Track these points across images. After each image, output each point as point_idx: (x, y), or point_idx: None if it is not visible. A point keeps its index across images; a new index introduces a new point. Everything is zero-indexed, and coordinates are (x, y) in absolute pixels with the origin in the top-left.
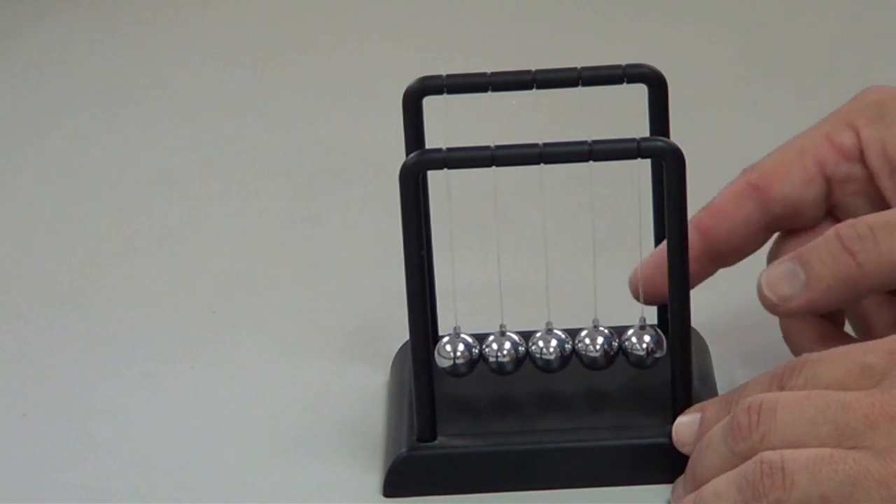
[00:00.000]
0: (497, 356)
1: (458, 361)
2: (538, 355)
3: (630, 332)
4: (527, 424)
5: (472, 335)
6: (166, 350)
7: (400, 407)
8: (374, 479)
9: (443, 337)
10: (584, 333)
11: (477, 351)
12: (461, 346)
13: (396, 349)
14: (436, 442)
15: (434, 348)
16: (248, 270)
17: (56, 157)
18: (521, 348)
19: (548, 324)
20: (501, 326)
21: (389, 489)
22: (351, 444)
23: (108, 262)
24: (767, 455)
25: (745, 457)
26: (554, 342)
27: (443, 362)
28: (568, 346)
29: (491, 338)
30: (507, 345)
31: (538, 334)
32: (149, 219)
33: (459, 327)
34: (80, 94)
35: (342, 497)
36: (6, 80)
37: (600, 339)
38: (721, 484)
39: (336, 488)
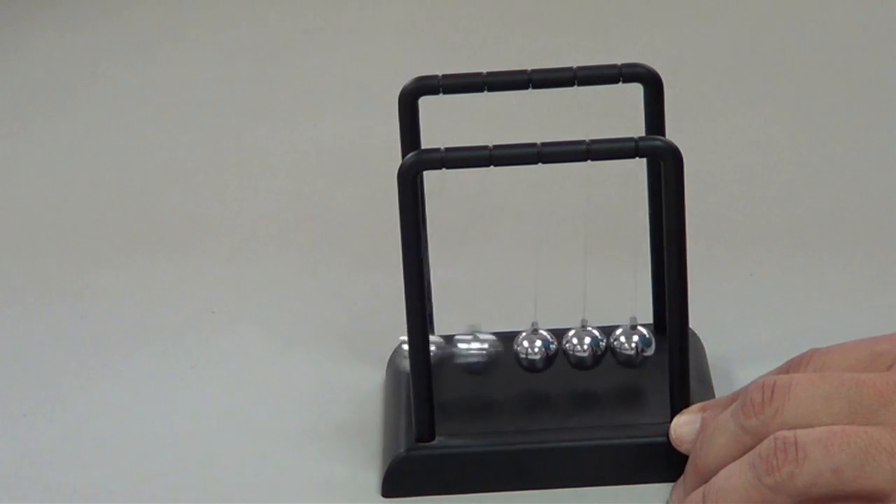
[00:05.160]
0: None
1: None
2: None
3: (619, 331)
4: (525, 424)
5: (549, 331)
6: (166, 350)
7: (397, 407)
8: (373, 478)
9: (520, 333)
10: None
11: (554, 347)
12: (538, 343)
13: (392, 349)
14: (434, 442)
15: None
16: (248, 270)
17: (56, 157)
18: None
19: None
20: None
21: (388, 489)
22: (349, 444)
23: (108, 262)
24: (781, 433)
25: (756, 433)
26: (588, 340)
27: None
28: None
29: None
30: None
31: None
32: (148, 218)
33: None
34: (80, 94)
35: (341, 497)
36: (6, 79)
37: (588, 339)
38: (734, 467)
39: (335, 488)
